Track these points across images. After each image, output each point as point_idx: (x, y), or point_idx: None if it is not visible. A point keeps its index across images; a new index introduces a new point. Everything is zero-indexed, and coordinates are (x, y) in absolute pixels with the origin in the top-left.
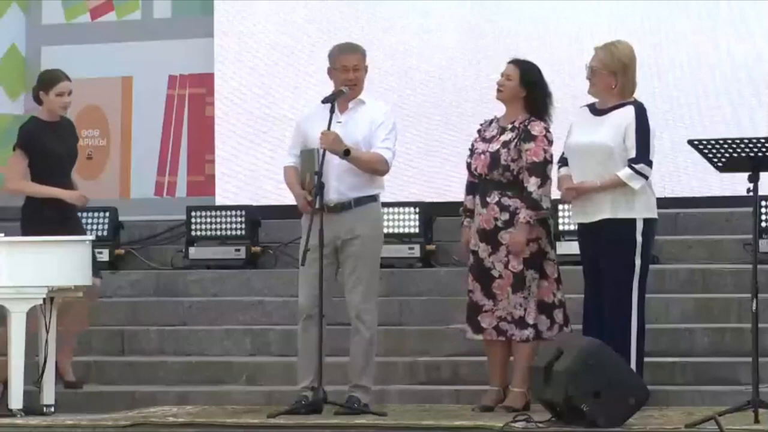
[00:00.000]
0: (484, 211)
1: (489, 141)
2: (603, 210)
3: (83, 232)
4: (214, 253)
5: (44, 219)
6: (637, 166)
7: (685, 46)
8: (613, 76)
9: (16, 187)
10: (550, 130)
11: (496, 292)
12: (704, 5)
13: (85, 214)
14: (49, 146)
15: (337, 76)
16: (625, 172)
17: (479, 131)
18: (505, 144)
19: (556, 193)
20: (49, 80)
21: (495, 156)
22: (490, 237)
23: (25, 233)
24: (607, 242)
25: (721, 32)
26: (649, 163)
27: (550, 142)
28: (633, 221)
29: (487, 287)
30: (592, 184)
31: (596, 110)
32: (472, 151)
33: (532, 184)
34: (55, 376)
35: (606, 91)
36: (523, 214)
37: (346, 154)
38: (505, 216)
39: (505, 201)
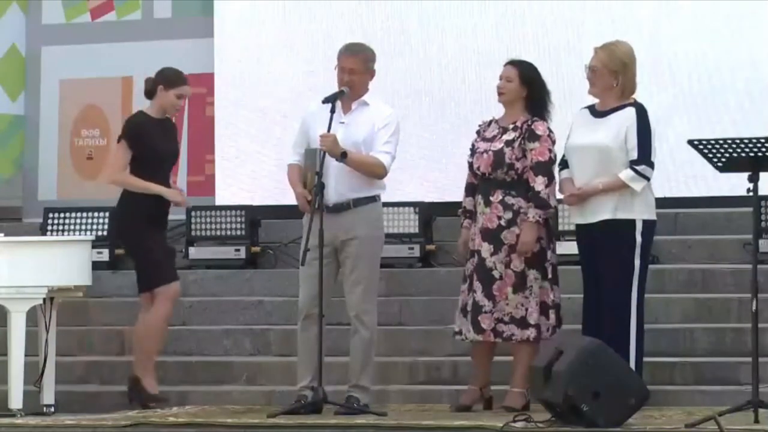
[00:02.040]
0: (488, 210)
1: (491, 140)
2: (603, 211)
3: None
4: (214, 253)
5: (142, 214)
6: (638, 168)
7: (684, 46)
8: (614, 76)
9: (117, 179)
10: (552, 129)
11: (495, 293)
12: (703, 6)
13: (84, 214)
14: (154, 142)
15: (337, 75)
16: (626, 174)
17: (478, 132)
18: (509, 143)
19: (558, 194)
20: (174, 79)
21: (499, 154)
22: (492, 236)
23: (122, 227)
24: (607, 243)
25: (720, 32)
26: (651, 165)
27: (554, 142)
28: (632, 222)
29: (488, 288)
30: (593, 188)
31: (596, 112)
32: (473, 151)
33: (539, 183)
34: (138, 393)
35: (606, 90)
36: (532, 214)
37: (343, 156)
38: (509, 215)
39: (509, 200)
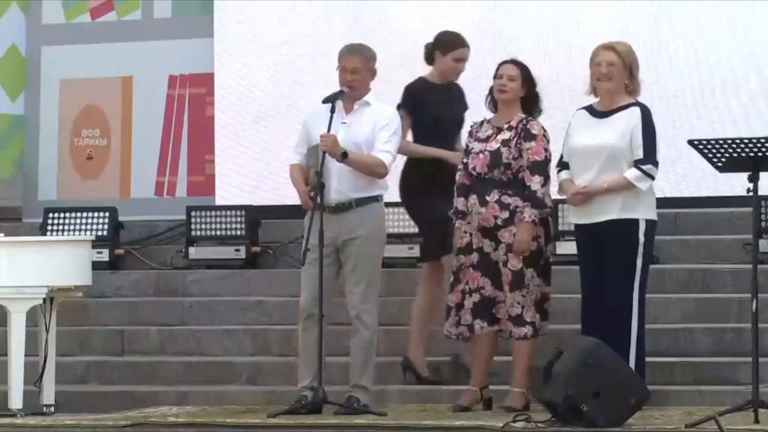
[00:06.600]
0: (484, 210)
1: (485, 141)
2: (610, 211)
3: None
4: (214, 253)
5: (423, 180)
6: (644, 167)
7: (684, 46)
8: (630, 72)
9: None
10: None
11: (505, 285)
12: (703, 5)
13: (84, 214)
14: (432, 107)
15: (339, 76)
16: (632, 173)
17: (470, 132)
18: (506, 142)
19: (555, 194)
20: (449, 43)
21: (496, 154)
22: (490, 234)
23: (403, 194)
24: (610, 243)
25: (720, 33)
26: (656, 164)
27: (548, 141)
28: (636, 222)
29: (497, 281)
30: (599, 187)
31: (597, 112)
32: (467, 151)
33: (535, 182)
34: (414, 372)
35: (620, 87)
36: (528, 213)
37: (343, 157)
38: (505, 214)
39: (506, 199)
